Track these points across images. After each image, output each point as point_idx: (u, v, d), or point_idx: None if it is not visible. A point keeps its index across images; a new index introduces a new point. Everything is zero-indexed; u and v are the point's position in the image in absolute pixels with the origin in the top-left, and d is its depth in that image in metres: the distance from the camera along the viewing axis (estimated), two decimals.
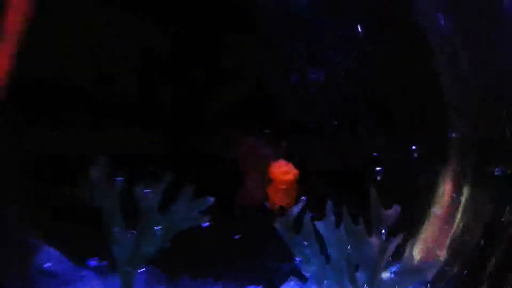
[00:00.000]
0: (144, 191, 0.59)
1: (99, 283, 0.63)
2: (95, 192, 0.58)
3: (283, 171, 0.59)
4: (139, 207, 0.60)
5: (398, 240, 0.54)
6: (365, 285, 0.53)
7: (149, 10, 0.62)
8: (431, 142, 0.67)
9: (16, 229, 0.64)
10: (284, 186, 0.59)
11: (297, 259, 0.55)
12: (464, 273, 0.62)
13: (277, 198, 0.59)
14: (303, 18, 0.64)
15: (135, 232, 0.61)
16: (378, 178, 0.62)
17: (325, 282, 0.53)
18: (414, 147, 0.66)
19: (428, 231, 0.66)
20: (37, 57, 0.62)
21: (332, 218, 0.56)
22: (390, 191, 0.60)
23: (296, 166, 0.61)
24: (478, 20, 0.61)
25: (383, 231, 0.55)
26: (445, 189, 0.66)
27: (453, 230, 0.64)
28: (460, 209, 0.64)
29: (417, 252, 0.65)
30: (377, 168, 0.62)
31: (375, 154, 0.65)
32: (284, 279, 0.64)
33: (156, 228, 0.61)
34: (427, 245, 0.66)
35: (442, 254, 0.63)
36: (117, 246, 0.59)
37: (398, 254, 0.59)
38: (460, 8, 0.62)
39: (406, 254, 0.55)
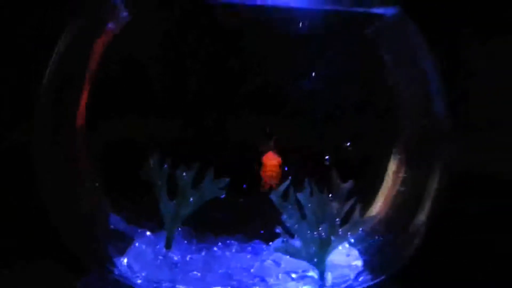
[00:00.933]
0: (182, 173, 0.84)
1: (151, 236, 0.88)
2: (152, 173, 0.83)
3: (271, 158, 0.86)
4: (179, 184, 0.84)
5: (350, 204, 0.81)
6: (325, 234, 0.79)
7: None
8: (385, 137, 0.91)
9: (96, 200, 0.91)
10: (272, 171, 0.86)
11: (284, 217, 0.79)
12: (403, 223, 0.89)
13: (267, 179, 0.86)
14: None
15: (176, 201, 0.85)
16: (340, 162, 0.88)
17: (301, 231, 0.80)
18: (370, 139, 0.92)
19: (380, 197, 0.91)
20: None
21: (308, 190, 0.79)
22: (351, 172, 0.87)
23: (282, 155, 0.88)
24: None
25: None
26: (392, 168, 0.91)
27: (394, 195, 0.89)
28: (400, 181, 0.91)
29: (373, 211, 0.90)
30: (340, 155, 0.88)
31: (344, 145, 0.91)
32: (277, 237, 0.84)
33: (190, 198, 0.85)
34: (378, 207, 0.91)
35: (387, 212, 0.89)
36: (164, 210, 0.84)
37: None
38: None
39: (355, 213, 0.81)
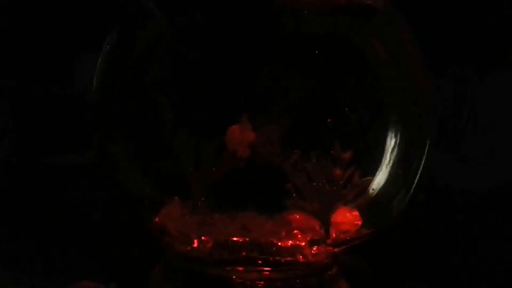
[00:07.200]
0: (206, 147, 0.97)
1: (178, 201, 1.00)
2: (181, 147, 0.96)
3: None
4: (203, 156, 0.97)
5: (350, 170, 0.95)
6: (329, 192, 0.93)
7: None
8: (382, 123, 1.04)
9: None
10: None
11: (294, 179, 0.92)
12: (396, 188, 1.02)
13: None
14: None
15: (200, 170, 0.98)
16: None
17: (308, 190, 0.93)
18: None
19: (382, 169, 1.03)
20: None
21: (314, 160, 0.94)
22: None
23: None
24: None
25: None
26: (387, 145, 1.05)
27: (390, 165, 1.03)
28: (393, 156, 1.04)
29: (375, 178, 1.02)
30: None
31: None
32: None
33: (212, 168, 0.98)
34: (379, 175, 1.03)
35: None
36: (191, 178, 0.96)
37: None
38: None
39: (355, 177, 0.95)
